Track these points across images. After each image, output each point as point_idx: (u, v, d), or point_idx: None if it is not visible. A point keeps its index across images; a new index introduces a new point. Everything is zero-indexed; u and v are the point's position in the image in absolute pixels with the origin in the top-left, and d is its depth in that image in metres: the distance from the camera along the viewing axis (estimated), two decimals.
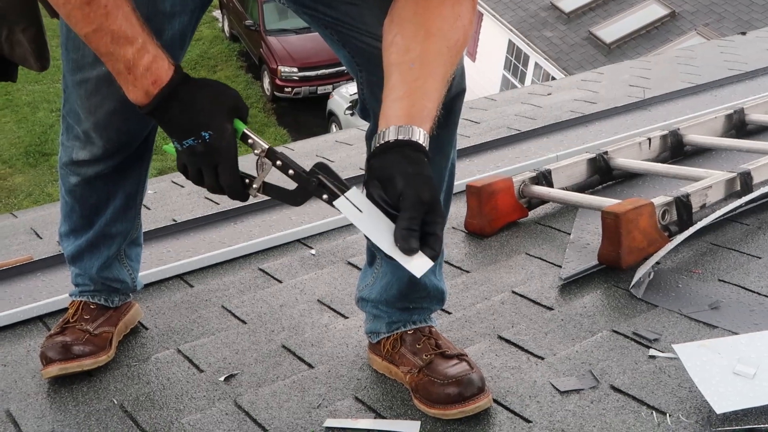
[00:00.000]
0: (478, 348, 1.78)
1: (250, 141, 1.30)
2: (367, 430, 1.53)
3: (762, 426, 1.43)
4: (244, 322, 1.98)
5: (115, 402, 1.68)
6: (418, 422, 1.54)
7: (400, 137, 1.22)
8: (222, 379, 1.73)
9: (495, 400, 1.58)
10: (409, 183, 1.19)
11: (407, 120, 1.23)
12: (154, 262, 2.28)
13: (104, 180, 1.68)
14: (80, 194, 1.71)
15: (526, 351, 1.76)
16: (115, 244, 1.77)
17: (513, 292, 2.02)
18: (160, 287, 2.18)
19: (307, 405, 1.62)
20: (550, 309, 1.93)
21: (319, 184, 1.26)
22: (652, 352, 1.71)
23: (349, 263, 2.24)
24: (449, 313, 1.94)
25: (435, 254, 1.20)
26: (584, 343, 1.77)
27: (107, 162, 1.64)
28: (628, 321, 1.84)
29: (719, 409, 1.46)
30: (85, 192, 1.70)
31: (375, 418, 1.57)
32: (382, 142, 1.23)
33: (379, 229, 1.20)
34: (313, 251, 2.34)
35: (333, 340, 1.86)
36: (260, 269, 2.25)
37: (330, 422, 1.56)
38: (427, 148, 1.23)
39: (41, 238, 2.62)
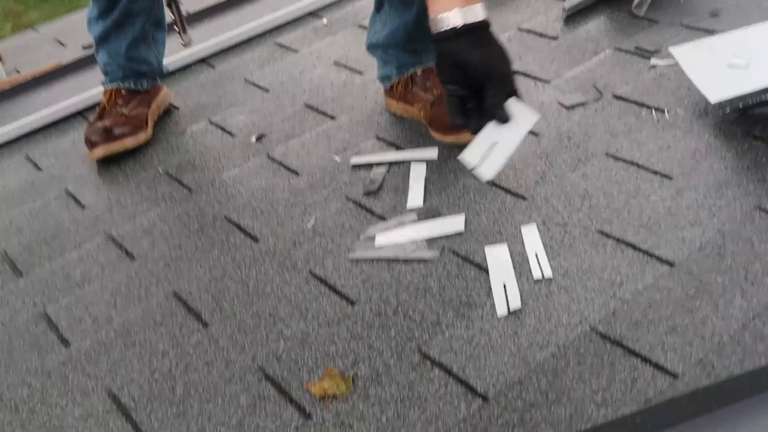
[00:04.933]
0: None
1: None
2: (389, 162, 1.67)
3: (751, 94, 1.51)
4: (267, 90, 2.09)
5: (161, 171, 1.83)
6: (435, 148, 1.67)
7: (468, 21, 1.21)
8: (253, 139, 1.87)
9: None
10: (485, 60, 1.20)
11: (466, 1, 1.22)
12: (175, 51, 2.37)
13: None
14: None
15: (533, 77, 1.85)
16: (139, 21, 1.88)
17: (519, 29, 2.09)
18: (185, 72, 2.29)
19: (333, 149, 1.76)
20: (555, 39, 2.00)
21: None
22: (653, 61, 1.79)
23: (360, 26, 2.31)
24: None
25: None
26: (588, 63, 1.86)
27: None
28: (630, 38, 1.91)
29: (713, 99, 1.56)
30: None
31: (396, 150, 1.71)
32: (449, 27, 1.22)
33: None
34: (324, 21, 2.40)
35: (352, 94, 1.97)
36: (276, 43, 2.33)
37: (355, 159, 1.70)
38: (489, 22, 1.23)
39: (65, 46, 2.72)
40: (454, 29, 1.21)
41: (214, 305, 1.40)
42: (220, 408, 1.20)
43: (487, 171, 1.23)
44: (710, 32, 1.85)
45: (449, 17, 1.22)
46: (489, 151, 1.23)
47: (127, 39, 1.89)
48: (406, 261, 1.40)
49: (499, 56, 1.22)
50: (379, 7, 1.78)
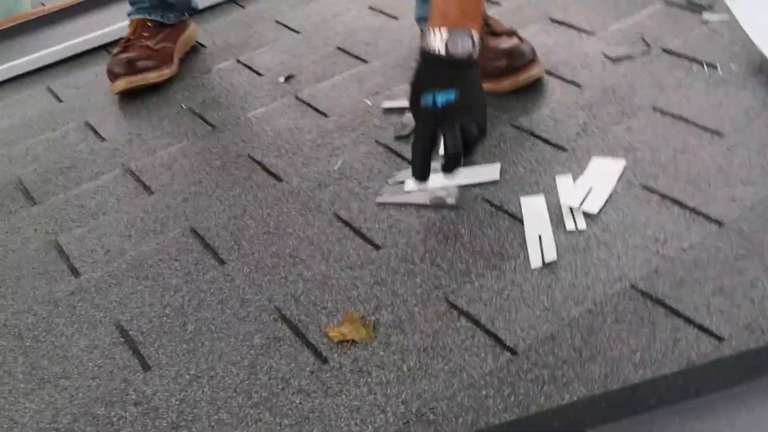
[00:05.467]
0: (530, 31, 1.78)
1: None
2: None
3: None
4: (298, 32, 2.01)
5: (184, 107, 1.77)
6: None
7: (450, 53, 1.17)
8: (282, 80, 1.80)
9: (547, 72, 1.61)
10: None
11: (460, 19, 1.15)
12: None
13: None
14: None
15: (578, 29, 1.76)
16: None
17: None
18: (214, 11, 2.21)
19: (365, 92, 1.68)
20: None
21: None
22: (705, 16, 1.70)
23: None
24: (499, 4, 1.93)
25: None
26: (636, 16, 1.76)
27: None
28: None
29: None
30: None
31: None
32: (430, 50, 1.17)
33: None
34: None
35: (386, 39, 1.89)
36: None
37: (387, 104, 1.62)
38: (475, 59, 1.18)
39: None
40: (436, 55, 1.16)
41: (232, 243, 1.33)
42: (232, 347, 1.14)
43: (594, 205, 1.26)
44: None
45: (435, 39, 1.16)
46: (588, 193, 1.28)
47: None
48: (436, 207, 1.33)
49: (469, 101, 1.18)
50: None
